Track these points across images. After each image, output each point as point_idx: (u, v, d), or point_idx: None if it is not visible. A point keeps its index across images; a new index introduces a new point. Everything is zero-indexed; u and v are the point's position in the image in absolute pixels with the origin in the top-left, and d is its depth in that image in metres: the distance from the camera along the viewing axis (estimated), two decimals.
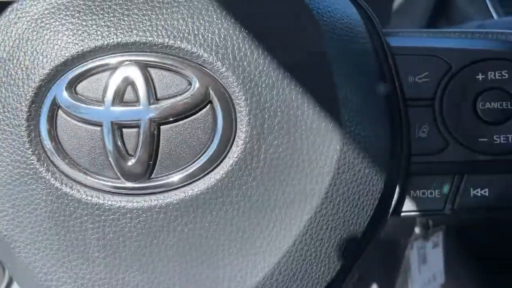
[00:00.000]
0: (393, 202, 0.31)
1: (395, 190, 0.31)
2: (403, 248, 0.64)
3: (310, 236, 0.28)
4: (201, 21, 0.27)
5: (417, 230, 0.61)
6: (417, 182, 0.32)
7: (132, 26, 0.27)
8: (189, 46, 0.27)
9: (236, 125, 0.27)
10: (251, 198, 0.27)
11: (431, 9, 0.63)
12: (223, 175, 0.27)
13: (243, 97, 0.26)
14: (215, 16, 0.27)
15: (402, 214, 0.32)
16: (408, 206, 0.32)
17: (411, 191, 0.32)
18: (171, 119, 0.27)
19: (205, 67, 0.27)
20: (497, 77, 0.30)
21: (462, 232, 0.65)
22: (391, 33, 0.34)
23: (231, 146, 0.27)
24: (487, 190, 0.31)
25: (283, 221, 0.27)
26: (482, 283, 0.64)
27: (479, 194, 0.31)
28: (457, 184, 0.31)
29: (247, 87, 0.26)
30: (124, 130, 0.27)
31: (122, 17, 0.27)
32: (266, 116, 0.27)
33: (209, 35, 0.27)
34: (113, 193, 0.28)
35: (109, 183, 0.28)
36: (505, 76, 0.30)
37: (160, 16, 0.27)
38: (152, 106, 0.27)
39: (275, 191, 0.27)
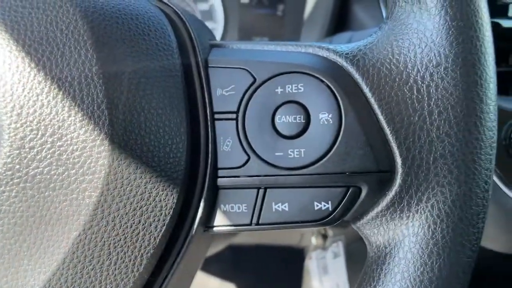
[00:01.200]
0: (198, 217, 0.30)
1: (199, 204, 0.30)
2: (303, 259, 0.63)
3: (82, 253, 0.27)
4: None
5: (313, 240, 0.60)
6: (225, 196, 0.31)
7: None
8: None
9: None
10: (15, 214, 0.26)
11: (330, 18, 0.63)
12: None
13: (3, 110, 0.26)
14: None
15: (215, 229, 0.32)
16: (221, 221, 0.32)
17: (221, 205, 0.31)
18: None
19: None
20: (293, 91, 0.30)
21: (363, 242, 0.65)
22: (220, 45, 0.33)
23: None
24: (287, 204, 0.30)
25: (51, 238, 0.26)
26: None
27: (280, 209, 0.30)
28: (260, 199, 0.31)
29: (8, 100, 0.26)
30: None
31: None
32: (27, 130, 0.26)
33: None
34: None
35: None
36: (301, 89, 0.30)
37: None
38: None
39: (39, 207, 0.26)
